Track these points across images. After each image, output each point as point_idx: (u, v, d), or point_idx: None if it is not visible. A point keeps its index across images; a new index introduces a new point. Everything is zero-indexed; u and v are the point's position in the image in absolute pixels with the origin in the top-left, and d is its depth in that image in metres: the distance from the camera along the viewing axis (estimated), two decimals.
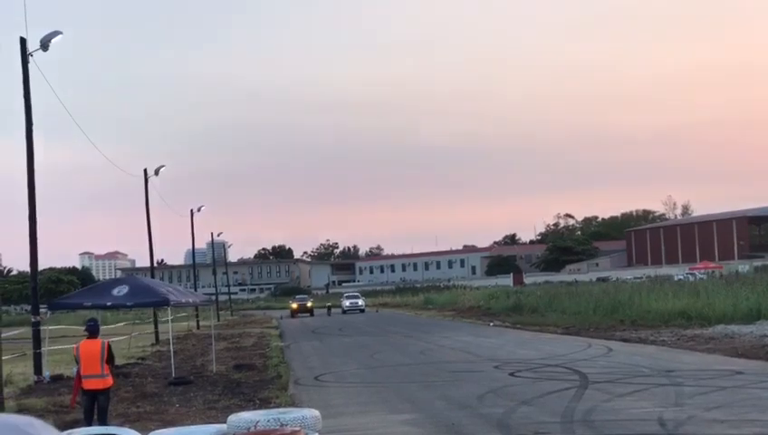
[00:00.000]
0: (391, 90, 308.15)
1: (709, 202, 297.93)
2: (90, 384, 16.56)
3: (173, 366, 28.60)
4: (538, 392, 19.90)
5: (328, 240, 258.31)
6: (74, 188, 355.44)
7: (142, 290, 27.60)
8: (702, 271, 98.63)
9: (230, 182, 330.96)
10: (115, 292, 26.91)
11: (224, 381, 26.60)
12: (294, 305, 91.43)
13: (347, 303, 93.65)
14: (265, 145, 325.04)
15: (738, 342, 30.42)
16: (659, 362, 25.53)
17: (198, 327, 62.34)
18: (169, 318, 30.11)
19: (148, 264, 56.39)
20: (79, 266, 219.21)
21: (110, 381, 16.76)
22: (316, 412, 13.46)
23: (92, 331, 17.05)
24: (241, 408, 18.76)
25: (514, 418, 16.61)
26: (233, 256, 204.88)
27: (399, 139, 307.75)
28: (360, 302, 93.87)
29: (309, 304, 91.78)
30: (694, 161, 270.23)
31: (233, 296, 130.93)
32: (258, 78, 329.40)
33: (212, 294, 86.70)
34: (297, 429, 11.54)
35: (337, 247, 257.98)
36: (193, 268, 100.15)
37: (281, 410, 14.64)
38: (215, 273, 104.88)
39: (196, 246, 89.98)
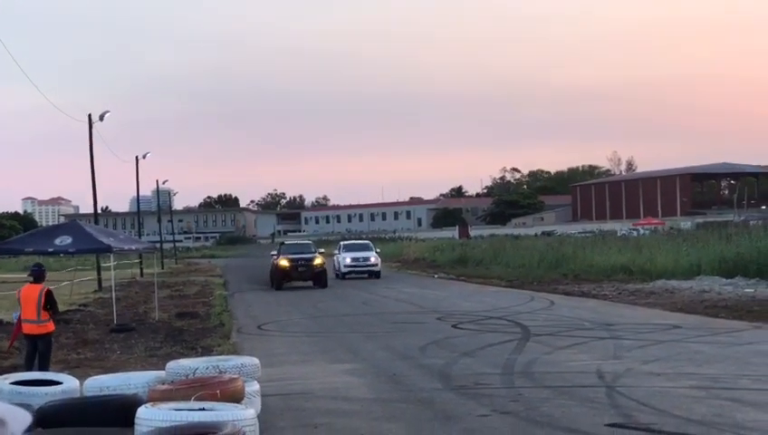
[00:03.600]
0: (334, 38, 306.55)
1: (653, 159, 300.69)
2: (27, 329, 16.64)
3: (115, 313, 28.42)
4: (480, 344, 20.06)
5: (275, 190, 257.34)
6: (17, 133, 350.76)
7: (85, 237, 27.30)
8: (645, 227, 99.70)
9: (178, 130, 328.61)
10: (58, 241, 26.60)
11: (166, 328, 26.45)
12: (284, 263, 45.18)
13: (347, 259, 52.59)
14: (214, 93, 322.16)
15: (678, 297, 30.84)
16: (600, 315, 25.82)
17: (142, 275, 61.77)
18: (112, 265, 29.85)
19: (92, 210, 55.64)
20: (21, 212, 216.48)
21: (48, 327, 16.66)
22: (255, 360, 13.49)
23: (36, 276, 16.97)
24: (182, 355, 18.69)
25: (455, 369, 16.74)
26: (178, 204, 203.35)
27: (348, 90, 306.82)
28: (373, 258, 52.40)
29: (318, 262, 45.38)
30: (640, 118, 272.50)
31: (178, 244, 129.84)
32: (201, 24, 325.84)
33: (157, 241, 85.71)
34: (235, 376, 11.55)
35: (284, 197, 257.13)
36: (137, 215, 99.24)
37: (220, 357, 14.66)
38: (159, 220, 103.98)
39: (141, 194, 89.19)
